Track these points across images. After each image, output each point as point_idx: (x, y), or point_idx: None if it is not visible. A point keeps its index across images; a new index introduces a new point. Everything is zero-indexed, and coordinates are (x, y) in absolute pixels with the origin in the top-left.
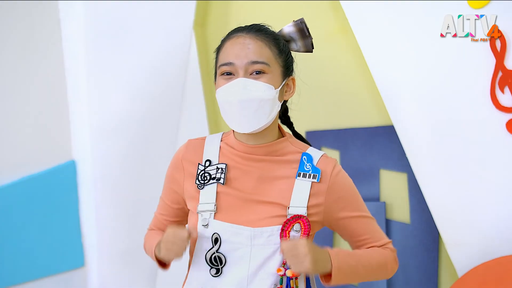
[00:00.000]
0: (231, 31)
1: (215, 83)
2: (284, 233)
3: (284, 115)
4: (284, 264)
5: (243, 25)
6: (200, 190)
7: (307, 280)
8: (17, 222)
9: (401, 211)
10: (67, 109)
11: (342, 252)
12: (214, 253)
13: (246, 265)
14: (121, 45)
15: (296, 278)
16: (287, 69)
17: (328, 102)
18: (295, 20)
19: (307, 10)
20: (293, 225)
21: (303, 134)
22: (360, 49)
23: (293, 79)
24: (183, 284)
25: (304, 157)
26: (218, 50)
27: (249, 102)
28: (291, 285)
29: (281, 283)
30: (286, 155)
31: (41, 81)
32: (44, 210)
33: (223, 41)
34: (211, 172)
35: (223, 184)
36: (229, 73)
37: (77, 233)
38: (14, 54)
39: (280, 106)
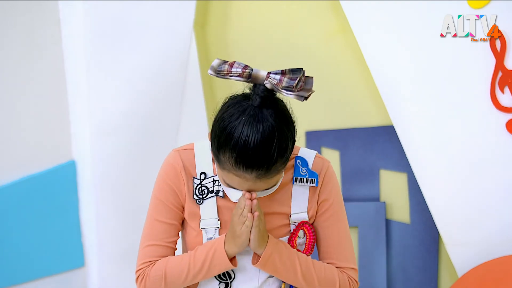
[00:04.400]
0: (236, 161)
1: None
2: (291, 243)
3: None
4: None
5: (246, 159)
6: (200, 205)
7: None
8: (17, 222)
9: (401, 211)
10: (67, 109)
11: (283, 245)
12: None
13: (256, 278)
14: (121, 45)
15: None
16: (293, 145)
17: (328, 102)
18: (297, 95)
19: (307, 10)
20: (298, 233)
21: (303, 134)
22: (360, 49)
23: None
24: None
25: (298, 161)
26: (220, 161)
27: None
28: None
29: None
30: None
31: (41, 81)
32: (44, 210)
33: (227, 166)
34: (208, 185)
35: (222, 197)
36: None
37: (77, 233)
38: (14, 54)
39: None
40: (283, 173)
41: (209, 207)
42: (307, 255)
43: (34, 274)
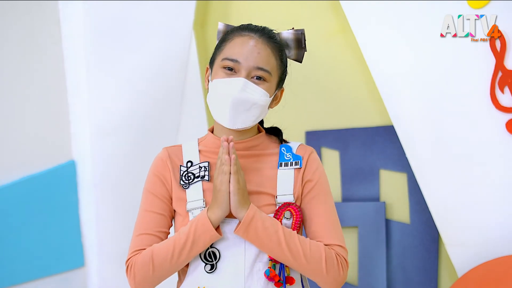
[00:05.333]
0: (243, 26)
1: (209, 69)
2: None
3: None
4: None
5: (255, 25)
6: (186, 190)
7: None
8: (17, 222)
9: (401, 211)
10: (67, 109)
11: (264, 215)
12: (208, 248)
13: (242, 258)
14: (121, 45)
15: None
16: (281, 81)
17: (328, 102)
18: (296, 29)
19: (307, 10)
20: (284, 213)
21: (303, 134)
22: (360, 49)
23: (282, 90)
24: (179, 285)
25: (283, 148)
26: (225, 40)
27: (243, 102)
28: (287, 272)
29: (274, 268)
30: (266, 149)
31: (41, 81)
32: (44, 210)
33: (233, 35)
34: (194, 172)
35: (208, 181)
36: (230, 69)
37: (77, 233)
38: (14, 54)
39: (267, 113)
40: (272, 80)
41: (195, 190)
42: None
43: (34, 274)
